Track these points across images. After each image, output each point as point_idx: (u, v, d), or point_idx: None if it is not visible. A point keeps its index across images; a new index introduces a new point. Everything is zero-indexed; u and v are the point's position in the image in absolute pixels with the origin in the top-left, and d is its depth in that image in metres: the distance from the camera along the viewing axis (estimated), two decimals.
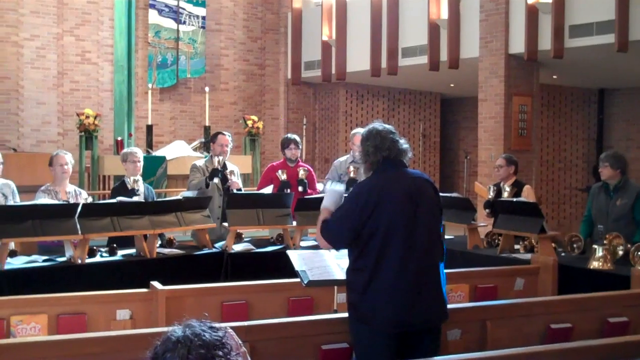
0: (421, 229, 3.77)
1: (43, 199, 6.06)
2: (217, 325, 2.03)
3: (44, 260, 5.60)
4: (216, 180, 7.02)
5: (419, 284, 3.73)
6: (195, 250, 6.41)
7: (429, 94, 16.81)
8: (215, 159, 7.08)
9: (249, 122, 13.15)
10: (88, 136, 11.45)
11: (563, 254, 6.25)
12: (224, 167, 7.21)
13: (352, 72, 14.48)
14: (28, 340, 3.70)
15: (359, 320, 3.77)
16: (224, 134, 7.36)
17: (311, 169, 7.72)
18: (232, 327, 2.17)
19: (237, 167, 7.49)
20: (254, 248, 6.53)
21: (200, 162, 7.30)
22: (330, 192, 4.05)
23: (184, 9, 15.17)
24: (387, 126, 3.95)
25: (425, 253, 3.77)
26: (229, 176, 7.09)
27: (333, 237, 3.87)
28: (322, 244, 3.96)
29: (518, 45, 11.46)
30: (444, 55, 12.58)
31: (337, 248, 4.01)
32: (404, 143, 3.93)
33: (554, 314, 4.56)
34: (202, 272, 6.04)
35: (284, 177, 7.26)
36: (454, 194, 7.65)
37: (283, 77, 16.25)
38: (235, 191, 7.03)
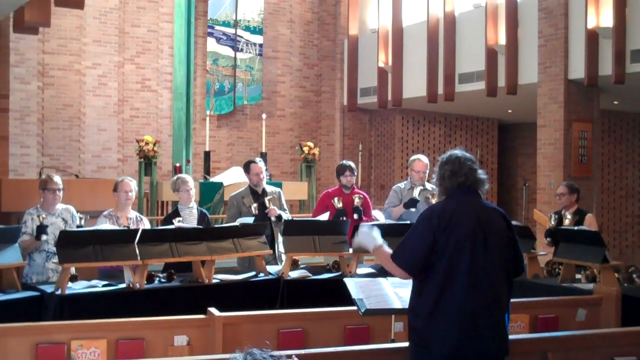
0: (489, 259, 3.72)
1: (104, 224, 6.17)
2: (277, 353, 2.03)
3: (104, 285, 5.68)
4: (254, 205, 7.08)
5: (482, 314, 3.67)
6: (252, 276, 6.42)
7: (486, 119, 16.66)
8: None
9: (305, 149, 13.20)
10: (147, 162, 11.63)
11: (626, 284, 6.08)
12: (264, 193, 7.27)
13: (408, 98, 14.44)
14: None
15: (421, 346, 3.73)
16: (255, 162, 7.40)
17: (367, 196, 7.69)
18: (287, 356, 2.15)
19: (280, 190, 7.53)
20: (310, 275, 6.51)
21: (236, 194, 7.36)
22: (364, 234, 4.05)
23: (241, 36, 15.38)
24: (467, 154, 3.94)
25: (492, 284, 3.72)
26: (267, 203, 7.13)
27: (409, 262, 3.75)
28: (397, 274, 3.84)
29: (578, 70, 11.29)
30: (501, 81, 12.46)
31: (414, 273, 3.83)
32: (482, 173, 3.91)
33: (618, 346, 4.44)
34: (258, 299, 6.06)
35: (339, 204, 7.25)
36: (513, 222, 7.53)
37: (339, 103, 16.31)
38: (273, 219, 7.08)
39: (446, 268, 3.67)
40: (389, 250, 3.91)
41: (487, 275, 3.70)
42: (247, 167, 7.45)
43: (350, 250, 6.56)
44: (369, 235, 4.02)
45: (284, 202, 7.50)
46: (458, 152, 3.96)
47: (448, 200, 3.87)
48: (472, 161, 3.92)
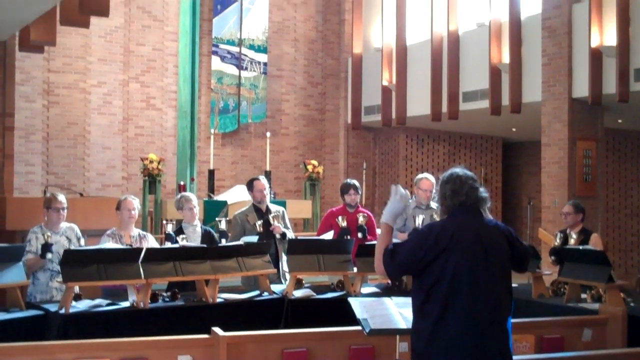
0: (490, 278, 3.69)
1: (108, 243, 6.16)
2: None
3: (108, 305, 5.66)
4: (259, 222, 7.07)
5: (485, 335, 3.64)
6: (256, 296, 6.40)
7: (491, 138, 16.66)
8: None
9: (309, 167, 13.21)
10: (151, 180, 11.65)
11: (632, 304, 6.04)
12: (267, 210, 7.26)
13: (412, 117, 14.46)
14: None
15: None
16: (258, 179, 7.43)
17: (371, 215, 7.68)
18: None
19: (283, 209, 7.53)
20: (315, 294, 6.48)
21: (240, 212, 7.36)
22: (399, 197, 3.91)
23: (246, 55, 15.43)
24: (468, 172, 3.89)
25: (493, 304, 3.68)
26: (271, 221, 7.12)
27: (393, 267, 3.79)
28: (378, 270, 3.88)
29: (582, 89, 11.29)
30: (505, 100, 12.48)
31: (392, 278, 3.95)
32: (483, 191, 3.87)
33: None
34: (262, 318, 6.04)
35: (344, 223, 7.24)
36: None
37: (343, 121, 16.32)
38: (278, 236, 7.07)
39: (447, 288, 3.64)
40: (390, 240, 3.85)
41: (489, 295, 3.67)
42: (250, 184, 7.46)
43: (355, 270, 6.54)
44: (397, 205, 3.92)
45: (287, 221, 7.50)
46: (459, 170, 3.91)
47: (449, 219, 3.84)
48: (473, 179, 3.88)
